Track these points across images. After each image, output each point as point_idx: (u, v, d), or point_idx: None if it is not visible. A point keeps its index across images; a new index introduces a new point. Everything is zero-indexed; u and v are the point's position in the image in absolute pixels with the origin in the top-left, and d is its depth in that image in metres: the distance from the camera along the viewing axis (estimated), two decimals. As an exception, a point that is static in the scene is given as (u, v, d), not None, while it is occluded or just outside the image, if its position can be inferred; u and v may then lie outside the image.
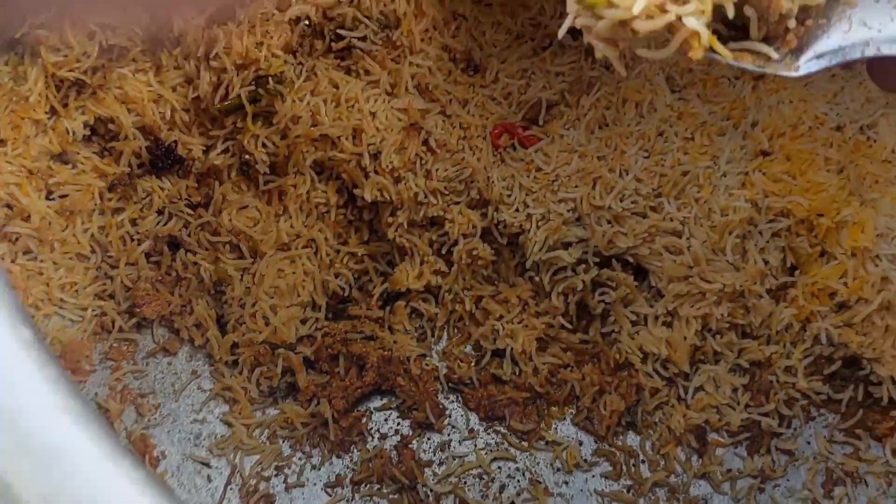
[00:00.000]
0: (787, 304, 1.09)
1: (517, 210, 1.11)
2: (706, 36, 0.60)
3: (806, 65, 0.66)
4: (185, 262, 1.11)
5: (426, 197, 1.11)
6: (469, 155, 1.12)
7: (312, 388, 1.11)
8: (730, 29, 0.64)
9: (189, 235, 1.12)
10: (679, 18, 0.59)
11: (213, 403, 1.13)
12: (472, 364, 1.15)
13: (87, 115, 1.10)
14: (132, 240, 1.11)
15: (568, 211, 1.10)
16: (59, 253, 1.08)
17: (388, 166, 1.09)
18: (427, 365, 1.14)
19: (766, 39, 0.65)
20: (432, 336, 1.16)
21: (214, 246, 1.11)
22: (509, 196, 1.11)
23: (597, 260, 1.11)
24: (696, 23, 0.59)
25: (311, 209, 1.13)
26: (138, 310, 1.09)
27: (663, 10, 0.59)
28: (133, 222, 1.11)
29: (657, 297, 1.12)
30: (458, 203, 1.12)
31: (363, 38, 1.12)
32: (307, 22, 1.12)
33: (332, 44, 1.12)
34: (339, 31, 1.11)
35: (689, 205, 1.09)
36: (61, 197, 1.09)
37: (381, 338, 1.13)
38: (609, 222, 1.10)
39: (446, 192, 1.11)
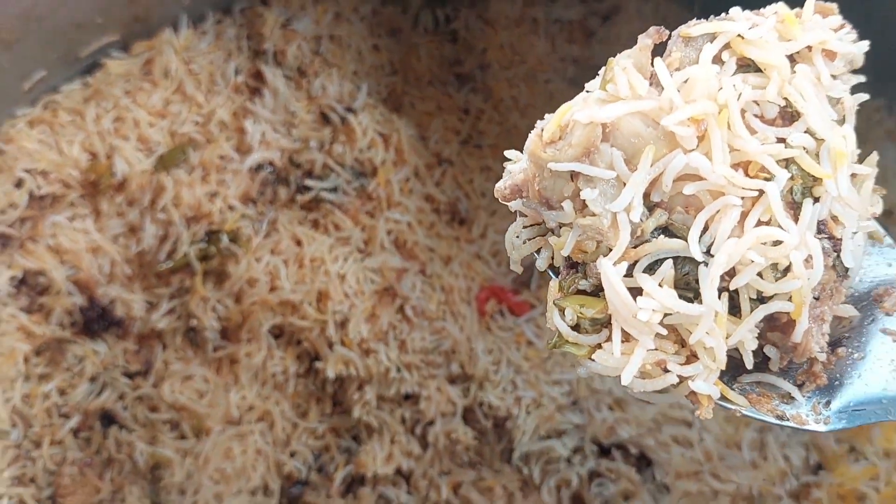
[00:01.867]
0: (811, 507, 0.95)
1: (504, 390, 0.97)
2: (717, 393, 0.47)
3: (837, 417, 0.52)
4: (119, 441, 0.96)
5: (399, 371, 0.97)
6: (450, 323, 0.98)
7: None
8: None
9: (125, 409, 0.97)
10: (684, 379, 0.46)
11: None
12: (449, 560, 1.00)
13: (14, 269, 0.96)
14: (59, 413, 0.96)
15: (562, 394, 0.96)
16: (-26, 430, 0.93)
17: (356, 337, 0.96)
18: (396, 562, 0.99)
19: (789, 364, 0.51)
20: (403, 527, 1.01)
21: (153, 423, 0.96)
22: (496, 373, 0.98)
23: (595, 448, 0.97)
24: (705, 386, 0.46)
25: (267, 379, 0.99)
26: (61, 499, 0.93)
27: (664, 370, 0.46)
28: (61, 392, 0.97)
29: (662, 492, 0.98)
30: (435, 377, 0.98)
31: (334, 189, 0.99)
32: (270, 168, 0.99)
33: (298, 194, 0.99)
34: (306, 181, 0.99)
35: (700, 392, 0.95)
36: (-22, 364, 0.95)
37: (343, 528, 0.98)
38: (610, 408, 0.96)
39: (422, 366, 0.98)
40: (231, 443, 0.97)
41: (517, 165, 0.52)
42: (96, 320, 0.97)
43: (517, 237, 0.55)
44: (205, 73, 1.03)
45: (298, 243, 0.97)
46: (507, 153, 0.53)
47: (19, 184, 0.95)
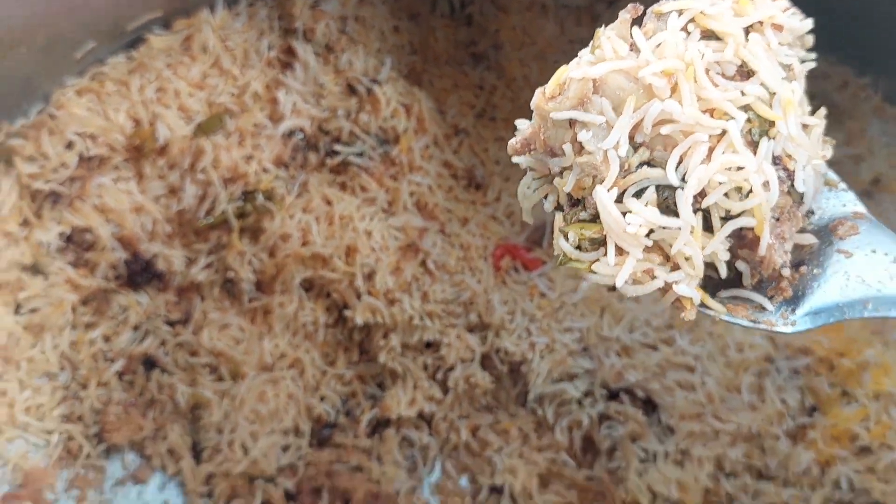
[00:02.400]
0: (806, 447, 1.02)
1: (519, 337, 1.04)
2: (698, 298, 0.57)
3: (802, 320, 0.61)
4: (161, 384, 1.03)
5: (422, 320, 1.04)
6: (469, 277, 1.06)
7: (292, 526, 1.02)
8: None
9: (166, 355, 1.04)
10: (669, 284, 0.55)
11: (184, 538, 1.03)
12: (468, 499, 1.06)
13: (63, 225, 1.03)
14: (105, 358, 1.03)
15: (574, 341, 1.03)
16: (26, 371, 1.00)
17: (382, 288, 1.03)
18: (418, 500, 1.05)
19: (760, 283, 0.61)
20: (424, 467, 1.08)
21: (192, 367, 1.03)
22: (511, 322, 1.04)
23: (604, 392, 1.04)
24: (687, 289, 0.55)
25: (298, 328, 1.06)
26: (108, 435, 1.00)
27: (652, 276, 0.55)
28: (106, 339, 1.04)
29: (668, 434, 1.04)
30: (455, 326, 1.05)
31: (360, 154, 1.06)
32: (301, 135, 1.07)
33: (327, 158, 1.07)
34: (334, 146, 1.06)
35: (702, 339, 1.02)
36: (31, 311, 1.02)
37: (368, 469, 1.05)
38: (617, 354, 1.03)
39: (443, 315, 1.05)
40: (265, 387, 1.04)
41: (525, 124, 0.61)
42: (139, 273, 1.04)
43: (528, 188, 0.64)
44: (239, 50, 1.11)
45: (328, 202, 1.04)
46: (517, 122, 0.63)
47: (70, 145, 1.03)
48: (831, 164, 1.15)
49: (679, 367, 1.02)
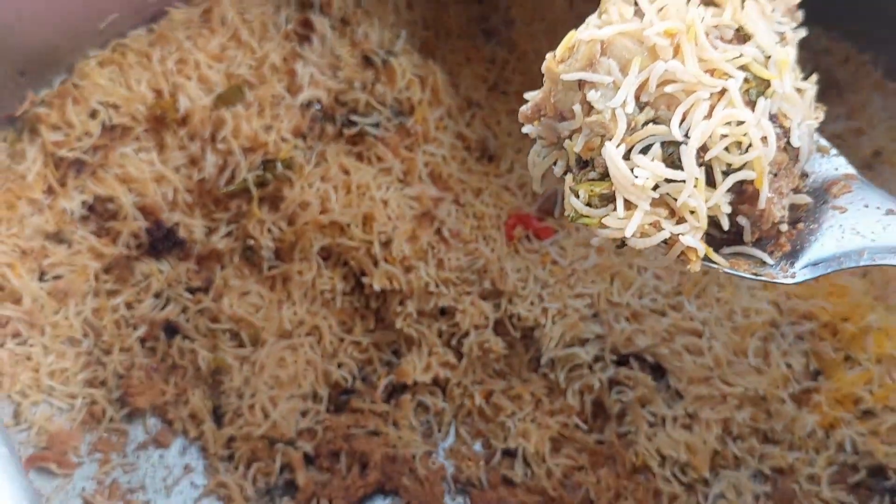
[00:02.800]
0: (811, 410, 1.04)
1: (532, 303, 1.07)
2: (703, 249, 0.60)
3: (802, 272, 0.65)
4: (182, 350, 1.05)
5: (437, 287, 1.06)
6: (482, 245, 1.08)
7: (312, 487, 1.04)
8: (723, 231, 0.64)
9: (187, 321, 1.06)
10: (675, 236, 0.59)
11: (206, 501, 1.05)
12: (482, 463, 1.09)
13: (86, 194, 1.05)
14: (127, 325, 1.05)
15: (585, 307, 1.06)
16: (50, 337, 1.02)
17: (398, 255, 1.05)
18: (433, 464, 1.08)
19: (760, 240, 0.65)
20: (439, 432, 1.11)
21: (213, 333, 1.05)
22: (524, 289, 1.07)
23: (614, 358, 1.06)
24: (692, 240, 0.59)
25: (316, 296, 1.08)
26: (131, 399, 1.02)
27: (658, 228, 0.59)
28: (129, 306, 1.06)
29: (676, 398, 1.07)
30: (469, 294, 1.08)
31: (376, 125, 1.09)
32: (318, 106, 1.09)
33: (344, 129, 1.09)
34: (351, 116, 1.08)
35: (709, 305, 1.05)
36: (55, 278, 1.04)
37: (385, 433, 1.07)
38: (627, 320, 1.06)
39: (458, 283, 1.07)
40: (284, 353, 1.06)
41: (535, 93, 0.65)
42: (161, 241, 1.06)
43: (538, 156, 0.68)
44: (257, 22, 1.13)
45: (346, 172, 1.07)
46: (527, 94, 0.67)
47: (93, 114, 1.05)
48: (833, 137, 1.19)
49: (687, 332, 1.05)
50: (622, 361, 1.07)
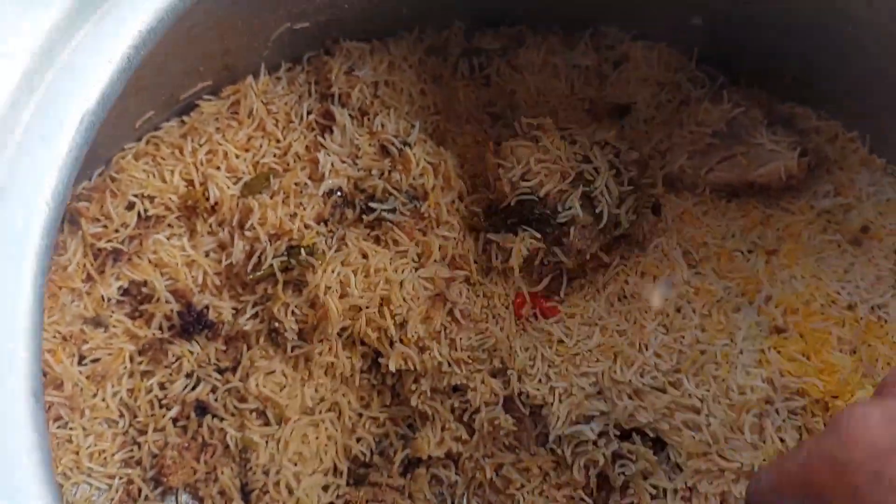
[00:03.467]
0: (804, 482, 1.11)
1: (540, 382, 1.13)
2: None
3: None
4: (212, 429, 1.11)
5: (450, 366, 1.13)
6: (492, 324, 1.15)
7: (334, 558, 1.11)
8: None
9: (216, 400, 1.13)
10: None
11: (233, 572, 1.11)
12: (492, 533, 1.15)
13: (122, 279, 1.12)
14: (160, 405, 1.12)
15: (590, 385, 1.12)
16: (89, 419, 1.08)
17: (413, 336, 1.12)
18: (447, 535, 1.14)
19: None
20: None
21: (241, 412, 1.12)
22: (532, 367, 1.14)
23: (617, 433, 1.13)
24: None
25: (336, 374, 1.15)
26: (165, 478, 1.09)
27: None
28: (162, 386, 1.12)
29: (676, 471, 1.13)
30: (480, 371, 1.14)
31: (392, 210, 1.15)
32: (340, 193, 1.16)
33: (363, 215, 1.16)
34: (369, 203, 1.15)
35: (707, 382, 1.11)
36: (93, 361, 1.10)
37: (401, 505, 1.14)
38: (630, 397, 1.12)
39: (469, 362, 1.14)
40: (307, 429, 1.13)
41: None
42: (192, 324, 1.12)
43: None
44: (282, 113, 1.20)
45: (364, 256, 1.13)
46: None
47: (130, 206, 1.12)
48: (823, 212, 1.26)
49: (686, 408, 1.11)
50: (625, 436, 1.13)
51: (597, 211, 1.15)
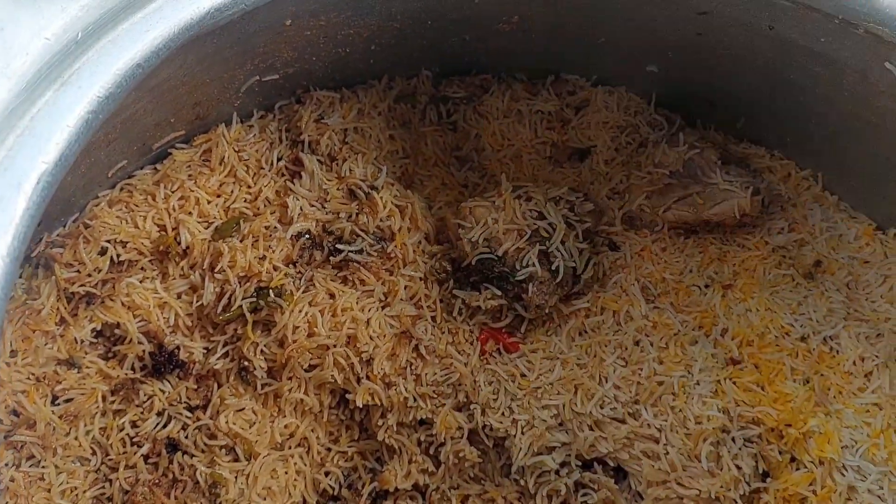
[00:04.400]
0: (761, 510, 1.14)
1: (503, 415, 1.16)
2: None
3: None
4: (183, 465, 1.14)
5: (415, 401, 1.16)
6: (457, 360, 1.18)
7: (301, 592, 1.13)
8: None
9: (187, 438, 1.16)
10: None
11: None
12: (460, 565, 1.17)
13: (95, 322, 1.16)
14: (132, 442, 1.15)
15: (551, 417, 1.15)
16: (62, 457, 1.11)
17: (379, 372, 1.15)
18: (415, 567, 1.16)
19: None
20: (420, 536, 1.19)
21: (211, 448, 1.15)
22: (495, 400, 1.17)
23: (579, 463, 1.16)
24: None
25: (305, 411, 1.18)
26: (135, 514, 1.11)
27: None
28: (133, 424, 1.15)
29: (637, 499, 1.16)
30: (444, 405, 1.17)
31: (360, 251, 1.20)
32: (308, 236, 1.21)
33: (331, 256, 1.20)
34: (337, 245, 1.20)
35: (665, 413, 1.15)
36: (66, 401, 1.14)
37: (369, 538, 1.16)
38: (590, 428, 1.15)
39: (434, 396, 1.17)
40: (276, 464, 1.16)
41: None
42: (163, 364, 1.16)
43: None
44: (252, 160, 1.26)
45: (332, 296, 1.18)
46: None
47: (103, 251, 1.16)
48: (778, 248, 1.30)
49: (645, 438, 1.14)
50: (587, 466, 1.16)
51: (553, 266, 1.19)
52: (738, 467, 1.14)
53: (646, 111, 1.42)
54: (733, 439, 1.15)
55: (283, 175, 1.26)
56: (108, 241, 1.17)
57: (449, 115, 1.40)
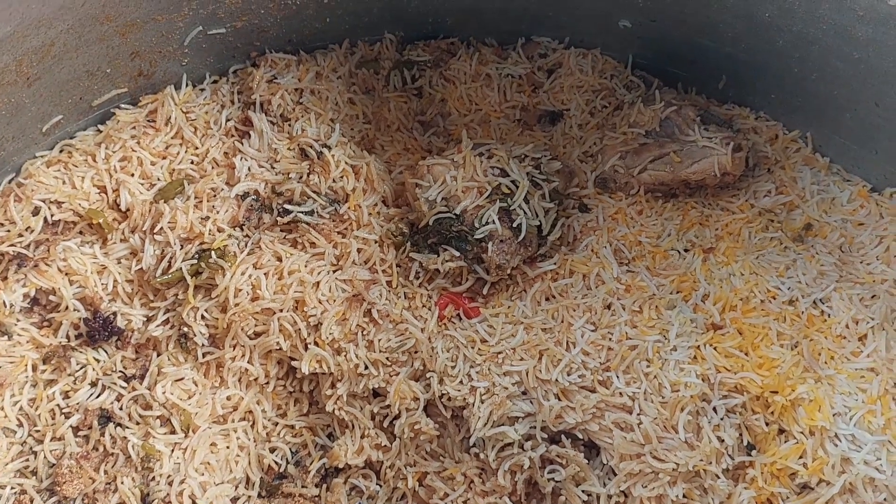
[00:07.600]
0: (747, 486, 1.03)
1: (461, 382, 1.07)
2: None
3: None
4: (114, 437, 1.06)
5: (367, 368, 1.08)
6: (413, 325, 1.10)
7: (242, 577, 1.03)
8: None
9: (121, 409, 1.08)
10: None
11: (133, 591, 1.04)
12: (417, 549, 1.07)
13: (28, 287, 1.09)
14: (61, 413, 1.07)
15: (513, 384, 1.06)
16: (-16, 428, 1.04)
17: (328, 337, 1.07)
18: (367, 550, 1.07)
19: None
20: (373, 516, 1.10)
21: (145, 420, 1.07)
22: (453, 368, 1.08)
23: (545, 436, 1.06)
24: None
25: (250, 381, 1.10)
26: (59, 488, 1.03)
27: None
28: (65, 395, 1.08)
29: (610, 475, 1.06)
30: (399, 374, 1.09)
31: (310, 213, 1.13)
32: (255, 197, 1.14)
33: (279, 218, 1.13)
34: (286, 205, 1.13)
35: (638, 380, 1.05)
36: (-7, 369, 1.07)
37: (318, 519, 1.07)
38: (556, 397, 1.06)
39: (388, 364, 1.08)
40: (216, 438, 1.07)
41: None
42: (98, 331, 1.09)
43: None
44: (201, 121, 1.20)
45: (279, 259, 1.10)
46: None
47: (36, 211, 1.10)
48: (765, 212, 1.21)
49: (616, 407, 1.05)
50: (554, 439, 1.06)
51: (515, 224, 1.10)
52: (721, 439, 1.03)
53: (622, 73, 1.35)
54: (714, 409, 1.05)
55: (232, 136, 1.20)
56: (42, 201, 1.11)
57: (414, 81, 1.34)
